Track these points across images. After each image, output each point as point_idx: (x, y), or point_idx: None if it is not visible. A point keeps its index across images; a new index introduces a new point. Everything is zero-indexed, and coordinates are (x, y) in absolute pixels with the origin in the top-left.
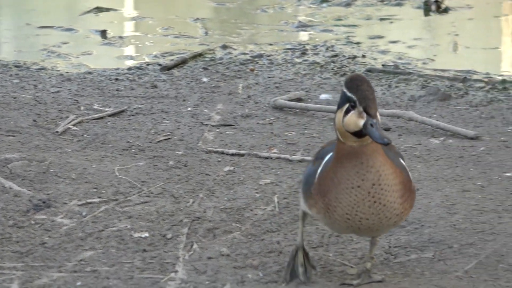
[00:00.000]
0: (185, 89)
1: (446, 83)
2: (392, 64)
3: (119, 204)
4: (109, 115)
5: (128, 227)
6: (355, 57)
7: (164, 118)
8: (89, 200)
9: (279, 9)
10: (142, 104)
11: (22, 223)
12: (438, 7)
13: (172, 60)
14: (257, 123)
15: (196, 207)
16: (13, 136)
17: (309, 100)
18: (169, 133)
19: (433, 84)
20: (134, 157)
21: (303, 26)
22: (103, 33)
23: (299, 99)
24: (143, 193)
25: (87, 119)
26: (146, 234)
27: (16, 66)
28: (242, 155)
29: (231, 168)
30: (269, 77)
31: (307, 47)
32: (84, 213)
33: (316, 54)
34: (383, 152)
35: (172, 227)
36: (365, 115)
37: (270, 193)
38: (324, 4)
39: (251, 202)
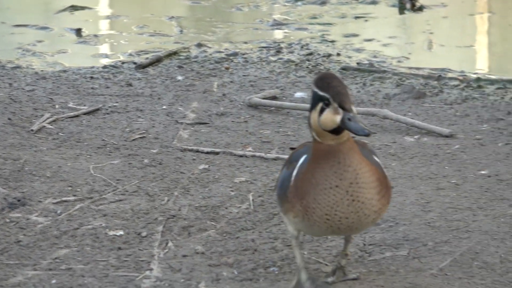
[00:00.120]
0: (160, 88)
1: (421, 81)
2: (367, 62)
3: (94, 202)
4: (84, 114)
5: (103, 225)
6: (330, 55)
7: (139, 117)
8: (64, 198)
9: (254, 7)
10: (117, 102)
11: None
12: (413, 5)
13: (147, 58)
14: (232, 121)
15: (171, 205)
16: None
17: (284, 98)
18: (144, 131)
19: (408, 82)
20: (109, 155)
21: (278, 25)
22: (78, 31)
23: (274, 97)
24: (118, 191)
25: (62, 117)
26: (121, 232)
27: None
28: (217, 153)
29: (206, 166)
30: (244, 75)
31: (282, 45)
32: (59, 211)
33: (291, 52)
34: (359, 150)
35: (147, 225)
36: (341, 110)
37: (245, 191)
38: (299, 3)
39: (226, 200)
